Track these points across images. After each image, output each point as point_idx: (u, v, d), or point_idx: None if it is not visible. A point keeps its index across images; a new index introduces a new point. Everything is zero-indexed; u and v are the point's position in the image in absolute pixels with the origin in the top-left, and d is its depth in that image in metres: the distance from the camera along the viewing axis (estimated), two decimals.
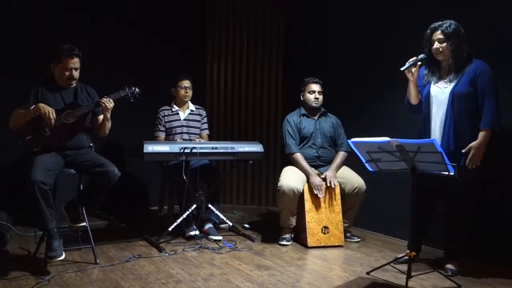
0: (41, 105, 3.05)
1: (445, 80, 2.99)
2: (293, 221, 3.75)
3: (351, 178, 3.76)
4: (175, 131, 4.14)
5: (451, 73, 2.96)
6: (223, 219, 3.91)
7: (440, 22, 2.95)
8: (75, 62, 3.20)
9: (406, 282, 2.67)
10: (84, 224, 3.19)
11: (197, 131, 4.25)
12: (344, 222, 3.75)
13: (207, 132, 4.36)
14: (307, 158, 3.81)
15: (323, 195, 3.66)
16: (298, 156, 3.80)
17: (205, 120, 4.36)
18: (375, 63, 4.09)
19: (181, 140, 4.03)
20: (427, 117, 3.07)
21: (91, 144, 3.42)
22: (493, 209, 3.27)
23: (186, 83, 4.15)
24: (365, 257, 3.43)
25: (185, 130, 4.16)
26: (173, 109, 4.18)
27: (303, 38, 5.07)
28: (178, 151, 3.50)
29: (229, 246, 3.59)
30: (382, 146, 2.70)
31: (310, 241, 3.61)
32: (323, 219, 3.66)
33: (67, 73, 3.21)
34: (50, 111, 3.02)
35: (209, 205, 3.80)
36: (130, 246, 3.55)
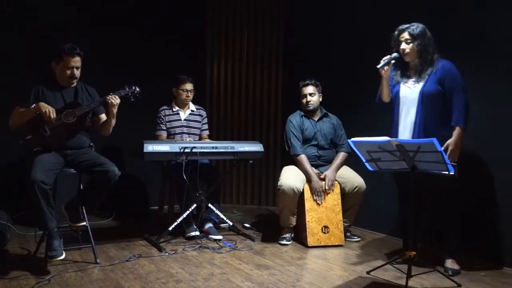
0: (42, 104, 3.04)
1: (414, 80, 3.07)
2: (293, 220, 3.75)
3: (351, 178, 3.77)
4: (175, 131, 4.14)
5: (419, 73, 3.04)
6: (223, 219, 3.91)
7: (408, 25, 3.06)
8: (77, 61, 3.20)
9: (406, 282, 2.67)
10: (84, 223, 3.19)
11: (197, 131, 4.26)
12: (344, 222, 3.75)
13: (207, 132, 4.36)
14: (307, 157, 3.81)
15: (322, 201, 3.67)
16: (303, 158, 3.79)
17: (206, 120, 4.36)
18: (375, 63, 4.08)
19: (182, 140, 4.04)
20: (397, 117, 3.14)
21: (91, 144, 3.41)
22: (493, 208, 3.28)
23: (189, 86, 4.15)
24: (365, 257, 3.44)
25: (185, 130, 4.17)
26: (174, 109, 4.18)
27: (303, 38, 5.07)
28: (178, 150, 3.50)
29: (229, 246, 3.59)
30: (382, 145, 2.71)
31: (310, 241, 3.61)
32: (323, 219, 3.66)
33: (68, 72, 3.21)
34: (50, 110, 3.02)
35: (209, 205, 3.80)
36: (130, 246, 3.56)
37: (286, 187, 3.59)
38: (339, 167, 3.83)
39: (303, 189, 3.66)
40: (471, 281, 2.91)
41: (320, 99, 3.99)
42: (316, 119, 3.97)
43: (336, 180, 3.75)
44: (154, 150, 3.44)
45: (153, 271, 2.99)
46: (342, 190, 3.76)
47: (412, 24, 3.05)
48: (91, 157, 3.21)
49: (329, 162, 3.86)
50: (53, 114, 3.02)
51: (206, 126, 4.36)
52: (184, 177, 3.55)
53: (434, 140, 2.54)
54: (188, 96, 4.15)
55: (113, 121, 3.32)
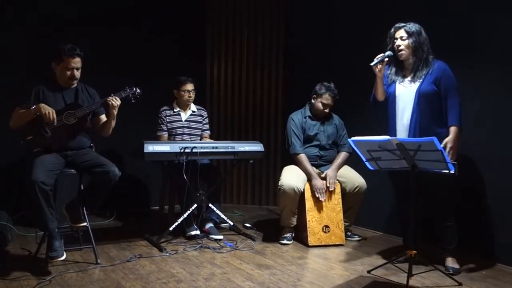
0: (42, 105, 3.04)
1: (409, 79, 3.09)
2: (293, 220, 3.75)
3: (352, 177, 3.76)
4: (176, 132, 4.14)
5: (415, 72, 3.06)
6: (223, 219, 3.92)
7: (404, 23, 3.08)
8: (77, 61, 3.20)
9: (407, 281, 2.68)
10: (85, 224, 3.19)
11: (198, 132, 4.25)
12: (344, 221, 3.75)
13: (208, 133, 4.36)
14: (308, 157, 3.81)
15: (325, 198, 3.67)
16: (303, 157, 3.79)
17: (207, 121, 4.36)
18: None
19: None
20: (393, 116, 3.15)
21: (91, 144, 3.41)
22: (493, 207, 3.28)
23: (189, 86, 4.13)
24: (366, 256, 3.44)
25: (186, 131, 4.16)
26: (175, 110, 4.18)
27: (303, 38, 5.07)
28: (178, 150, 3.50)
29: (230, 246, 3.59)
30: (382, 144, 2.71)
31: (311, 240, 3.61)
32: (324, 218, 3.66)
33: (68, 73, 3.20)
34: (51, 112, 3.02)
35: (210, 205, 3.80)
36: (131, 246, 3.56)
37: (287, 186, 3.59)
38: (340, 167, 3.83)
39: (303, 189, 3.66)
40: (472, 279, 2.91)
41: None
42: (321, 120, 3.95)
43: (337, 180, 3.75)
44: (154, 150, 3.44)
45: (154, 271, 2.99)
46: (343, 190, 3.75)
47: (409, 22, 3.07)
48: (91, 158, 3.21)
49: (330, 162, 3.86)
50: (53, 115, 3.03)
51: (207, 127, 4.35)
52: (185, 177, 3.55)
53: (434, 138, 2.54)
54: (190, 97, 4.14)
55: (113, 122, 3.32)
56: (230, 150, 3.72)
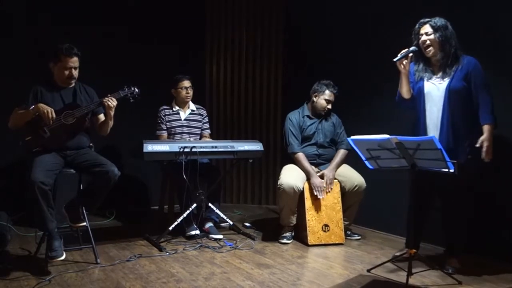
0: (41, 105, 3.04)
1: (438, 76, 3.00)
2: (293, 219, 3.75)
3: (351, 176, 3.76)
4: (176, 131, 4.13)
5: (443, 69, 2.98)
6: (223, 218, 3.91)
7: (429, 18, 2.99)
8: (75, 61, 3.20)
9: (407, 280, 2.67)
10: (84, 224, 3.19)
11: (198, 131, 4.25)
12: (344, 220, 3.75)
13: (208, 131, 4.35)
14: (307, 156, 3.81)
15: (324, 196, 3.66)
16: (301, 156, 3.79)
17: (206, 120, 4.36)
18: (374, 61, 4.08)
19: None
20: (421, 114, 3.06)
21: (91, 144, 3.41)
22: (493, 205, 3.28)
23: (187, 83, 4.14)
24: (366, 255, 3.44)
25: (185, 130, 4.16)
26: (174, 109, 4.18)
27: (303, 37, 5.06)
28: (178, 150, 3.50)
29: (229, 245, 3.59)
30: (381, 143, 2.70)
31: (311, 239, 3.61)
32: (323, 217, 3.66)
33: (66, 72, 3.20)
34: (49, 111, 3.02)
35: (210, 204, 3.80)
36: (130, 246, 3.56)
37: (286, 186, 3.59)
38: (339, 165, 3.82)
39: (303, 188, 3.66)
40: (472, 279, 2.91)
41: None
42: (319, 118, 3.96)
43: (336, 179, 3.75)
44: (154, 150, 3.44)
45: (153, 271, 2.99)
46: (342, 189, 3.75)
47: (434, 17, 2.98)
48: (90, 158, 3.21)
49: (329, 160, 3.86)
50: (52, 115, 3.02)
51: (207, 125, 4.35)
52: (184, 176, 3.55)
53: (433, 137, 2.54)
54: (188, 93, 4.14)
55: (111, 122, 3.31)
56: (229, 149, 3.72)
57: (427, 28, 2.97)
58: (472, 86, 2.90)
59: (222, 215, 3.89)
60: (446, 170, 2.64)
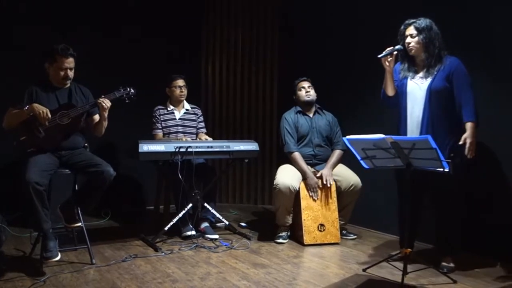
0: (36, 105, 3.03)
1: (421, 76, 3.04)
2: (289, 219, 3.75)
3: (347, 176, 3.77)
4: (170, 130, 4.13)
5: (426, 68, 3.01)
6: (219, 218, 3.91)
7: (414, 19, 3.03)
8: (70, 62, 3.19)
9: (402, 279, 2.68)
10: (79, 224, 3.18)
11: (193, 130, 4.25)
12: (340, 220, 3.76)
13: (204, 130, 4.35)
14: (303, 157, 3.82)
15: (318, 197, 3.67)
16: (297, 155, 3.80)
17: (201, 119, 4.36)
18: (369, 61, 4.08)
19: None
20: (403, 113, 3.10)
21: (86, 144, 3.40)
22: (486, 204, 3.30)
23: (180, 82, 4.15)
24: (361, 254, 3.44)
25: (180, 129, 4.16)
26: (169, 109, 4.18)
27: (299, 38, 5.06)
28: (173, 150, 3.50)
29: (225, 245, 3.59)
30: (377, 143, 2.71)
31: (306, 239, 3.61)
32: (319, 217, 3.66)
33: (62, 73, 3.19)
34: (44, 111, 3.01)
35: (205, 204, 3.79)
36: (126, 246, 3.55)
37: (282, 185, 3.60)
38: (335, 165, 3.83)
39: (299, 188, 3.66)
40: (466, 277, 2.92)
41: (315, 97, 4.00)
42: (311, 115, 3.97)
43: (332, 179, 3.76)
44: (149, 150, 3.43)
45: (149, 271, 2.98)
46: (338, 188, 3.76)
47: (419, 18, 3.01)
48: (86, 158, 3.20)
49: (325, 160, 3.86)
50: (47, 114, 3.01)
51: (202, 125, 4.35)
52: (180, 176, 3.54)
53: (429, 137, 2.54)
54: (182, 92, 4.15)
55: (105, 123, 3.31)
56: (225, 149, 3.72)
57: (411, 30, 3.01)
58: (455, 86, 2.94)
59: (218, 215, 3.89)
60: (441, 169, 2.65)
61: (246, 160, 3.97)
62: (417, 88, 3.03)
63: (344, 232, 3.89)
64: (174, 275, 2.93)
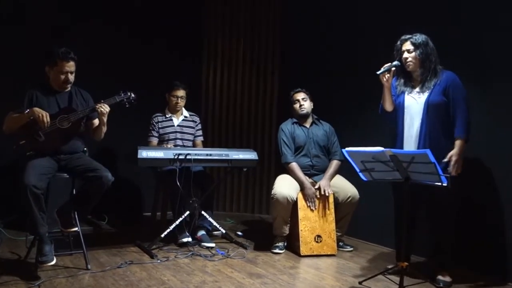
0: (36, 109, 3.03)
1: (418, 91, 3.07)
2: (286, 229, 3.74)
3: (345, 187, 3.77)
4: (169, 137, 4.14)
5: (423, 83, 3.04)
6: (216, 226, 3.90)
7: (410, 35, 3.06)
8: (71, 65, 3.20)
9: None
10: (76, 229, 3.16)
11: (190, 137, 4.26)
12: (337, 231, 3.75)
13: (201, 139, 4.36)
14: (301, 167, 3.82)
15: (316, 208, 3.67)
16: (294, 165, 3.80)
17: (199, 126, 4.37)
18: (372, 73, 4.10)
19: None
20: (400, 127, 3.12)
21: (85, 149, 3.40)
22: (484, 219, 3.29)
23: (180, 93, 4.16)
24: (358, 267, 3.43)
25: (178, 136, 4.17)
26: (167, 115, 4.19)
27: (299, 45, 5.09)
28: (172, 157, 3.50)
29: (221, 254, 3.58)
30: (376, 156, 2.72)
31: (303, 250, 3.60)
32: (316, 228, 3.66)
33: (62, 77, 3.19)
34: (44, 115, 3.01)
35: (202, 212, 3.79)
36: (122, 252, 3.53)
37: (280, 195, 3.59)
38: (333, 176, 3.83)
39: (296, 198, 3.66)
40: None
41: (312, 107, 4.01)
42: (308, 125, 3.98)
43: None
44: (148, 156, 3.43)
45: (144, 278, 2.97)
46: (335, 200, 3.76)
47: (415, 34, 3.05)
48: (84, 162, 3.20)
49: (323, 171, 3.87)
50: (47, 119, 3.01)
51: (200, 133, 4.36)
52: (178, 183, 3.54)
53: (428, 151, 2.55)
54: (177, 103, 4.16)
55: (104, 128, 3.31)
56: (224, 157, 3.72)
57: (408, 45, 3.04)
58: (451, 100, 2.96)
59: (215, 223, 3.88)
60: (439, 184, 2.65)
61: (245, 169, 3.97)
62: (415, 102, 3.05)
63: (340, 243, 3.88)
64: (170, 282, 2.91)
